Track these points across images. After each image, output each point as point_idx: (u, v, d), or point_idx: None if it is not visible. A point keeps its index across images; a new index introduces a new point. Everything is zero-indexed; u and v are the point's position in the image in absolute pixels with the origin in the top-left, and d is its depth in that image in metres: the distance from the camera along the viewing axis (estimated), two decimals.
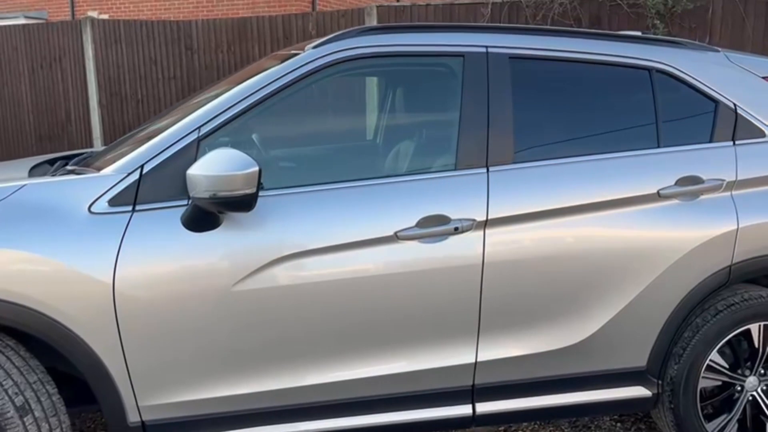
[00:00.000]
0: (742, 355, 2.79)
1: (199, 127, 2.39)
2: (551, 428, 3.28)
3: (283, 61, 2.56)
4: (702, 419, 2.75)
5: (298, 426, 2.45)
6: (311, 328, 2.40)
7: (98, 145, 7.92)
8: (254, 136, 2.96)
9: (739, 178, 2.68)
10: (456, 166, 2.53)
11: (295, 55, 2.57)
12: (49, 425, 2.29)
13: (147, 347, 2.30)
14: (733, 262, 2.65)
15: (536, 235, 2.52)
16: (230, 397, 2.39)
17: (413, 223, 2.42)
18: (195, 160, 2.29)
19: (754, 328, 2.74)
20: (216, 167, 2.16)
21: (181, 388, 2.36)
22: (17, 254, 2.21)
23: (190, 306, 2.30)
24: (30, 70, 8.53)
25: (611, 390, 2.69)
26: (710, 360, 2.72)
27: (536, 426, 3.29)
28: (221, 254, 2.32)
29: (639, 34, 3.03)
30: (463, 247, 2.45)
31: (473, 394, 2.58)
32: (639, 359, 2.69)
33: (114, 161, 2.43)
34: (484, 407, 2.59)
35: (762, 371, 2.80)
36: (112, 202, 2.30)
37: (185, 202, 2.30)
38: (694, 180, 2.64)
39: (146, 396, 2.34)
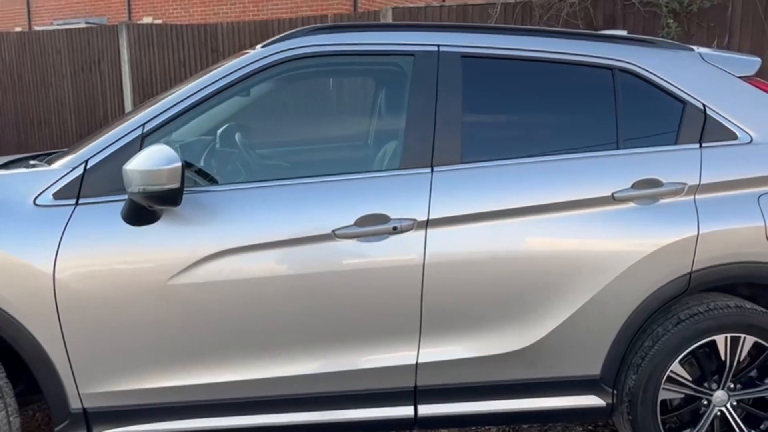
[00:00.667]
0: (708, 368, 2.65)
1: (143, 124, 2.46)
2: None
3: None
4: None
5: (234, 420, 2.47)
6: (246, 325, 2.41)
7: None
8: (237, 136, 3.01)
9: (703, 182, 2.55)
10: (399, 165, 2.51)
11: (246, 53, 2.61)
12: None
13: (87, 336, 2.36)
14: (693, 269, 2.53)
15: (481, 237, 2.46)
16: (167, 389, 2.43)
17: (351, 222, 2.41)
18: None
19: (720, 339, 2.59)
20: (146, 163, 2.21)
21: (122, 378, 2.42)
22: None
23: (128, 298, 2.36)
24: (72, 73, 8.97)
25: (562, 398, 2.60)
26: (671, 371, 2.59)
27: (507, 429, 3.23)
28: (158, 248, 2.36)
29: (625, 33, 2.94)
30: (402, 247, 2.43)
31: (416, 396, 2.54)
32: (591, 367, 2.59)
33: (66, 156, 2.52)
34: (426, 409, 2.55)
35: (731, 386, 2.65)
36: (57, 195, 2.38)
37: (126, 196, 2.36)
38: (653, 183, 2.54)
39: (87, 384, 2.41)
